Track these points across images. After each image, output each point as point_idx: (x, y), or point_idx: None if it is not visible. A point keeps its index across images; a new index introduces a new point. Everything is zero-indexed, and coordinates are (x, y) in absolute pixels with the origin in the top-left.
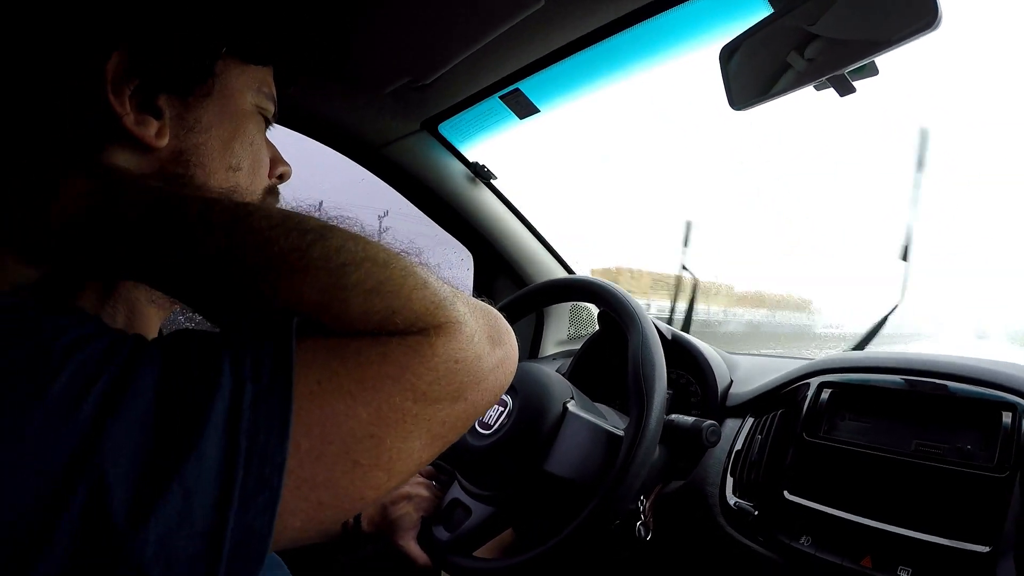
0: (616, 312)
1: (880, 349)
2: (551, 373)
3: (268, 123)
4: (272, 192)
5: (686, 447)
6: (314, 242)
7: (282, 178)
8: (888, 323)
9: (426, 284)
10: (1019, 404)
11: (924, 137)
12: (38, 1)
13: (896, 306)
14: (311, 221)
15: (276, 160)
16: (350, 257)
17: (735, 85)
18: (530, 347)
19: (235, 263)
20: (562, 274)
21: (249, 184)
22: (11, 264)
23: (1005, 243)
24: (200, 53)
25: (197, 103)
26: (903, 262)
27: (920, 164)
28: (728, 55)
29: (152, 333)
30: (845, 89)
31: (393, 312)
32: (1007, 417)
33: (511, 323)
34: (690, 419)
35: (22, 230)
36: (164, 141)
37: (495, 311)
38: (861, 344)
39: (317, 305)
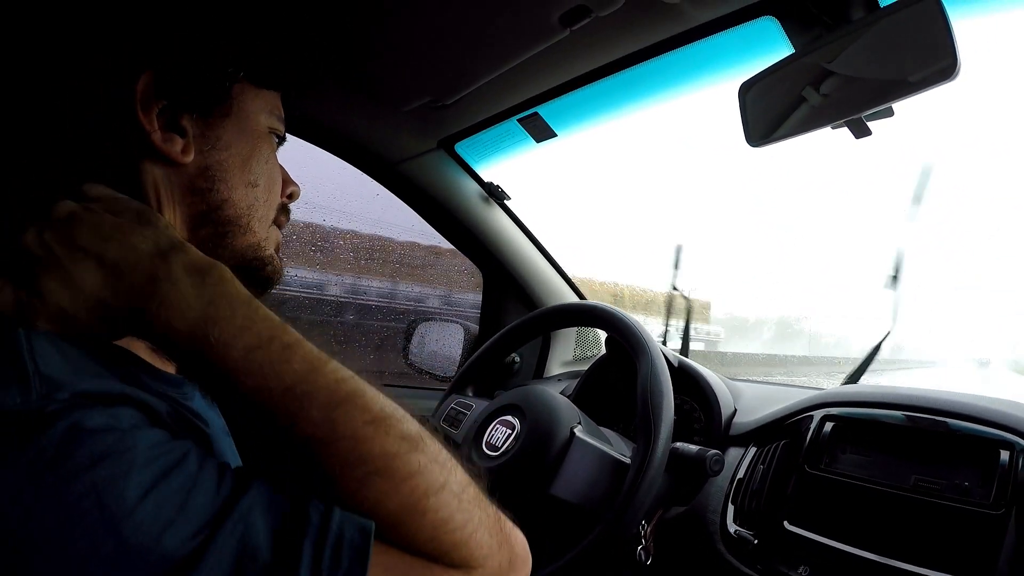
0: (626, 340)
1: (882, 380)
2: (559, 397)
3: (279, 143)
4: (283, 211)
5: (690, 475)
6: (408, 452)
7: (291, 197)
8: (887, 350)
9: (482, 523)
10: (1017, 443)
11: (926, 173)
12: (78, 25)
13: (887, 334)
14: (408, 424)
15: (287, 180)
16: (435, 480)
17: (752, 121)
18: (535, 367)
19: (325, 449)
20: (572, 297)
21: (266, 199)
22: None
23: (1007, 266)
24: (220, 77)
25: (217, 123)
26: (892, 290)
27: (917, 199)
28: (747, 91)
29: None
30: (861, 131)
31: (454, 547)
32: (1005, 455)
33: (520, 344)
34: (694, 448)
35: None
36: (190, 157)
37: (521, 540)
38: (855, 375)
39: (391, 517)
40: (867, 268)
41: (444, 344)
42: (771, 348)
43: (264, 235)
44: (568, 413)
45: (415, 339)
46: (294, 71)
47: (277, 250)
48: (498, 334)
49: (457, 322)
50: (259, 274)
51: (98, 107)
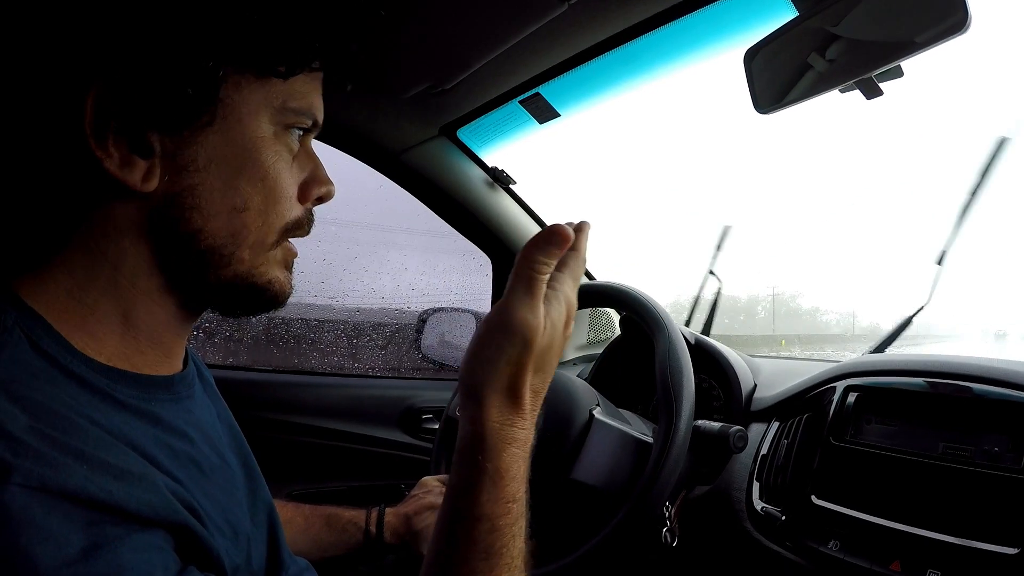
0: (642, 318)
1: (902, 350)
2: (576, 380)
3: (308, 133)
4: (299, 225)
5: (713, 453)
6: None
7: (321, 200)
8: (913, 325)
9: None
10: None
11: (1000, 146)
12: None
13: (922, 308)
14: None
15: (313, 181)
16: None
17: (760, 88)
18: None
19: None
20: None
21: (259, 225)
22: None
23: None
24: (194, 81)
25: (193, 137)
26: (937, 266)
27: (985, 173)
28: (752, 58)
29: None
30: (872, 92)
31: None
32: None
33: None
34: (717, 425)
35: None
36: (152, 184)
37: None
38: (882, 346)
39: None
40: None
41: (456, 334)
42: (771, 328)
43: (258, 261)
44: (586, 395)
45: (427, 330)
46: (303, 45)
47: (288, 266)
48: None
49: (468, 311)
50: (258, 300)
51: (44, 139)
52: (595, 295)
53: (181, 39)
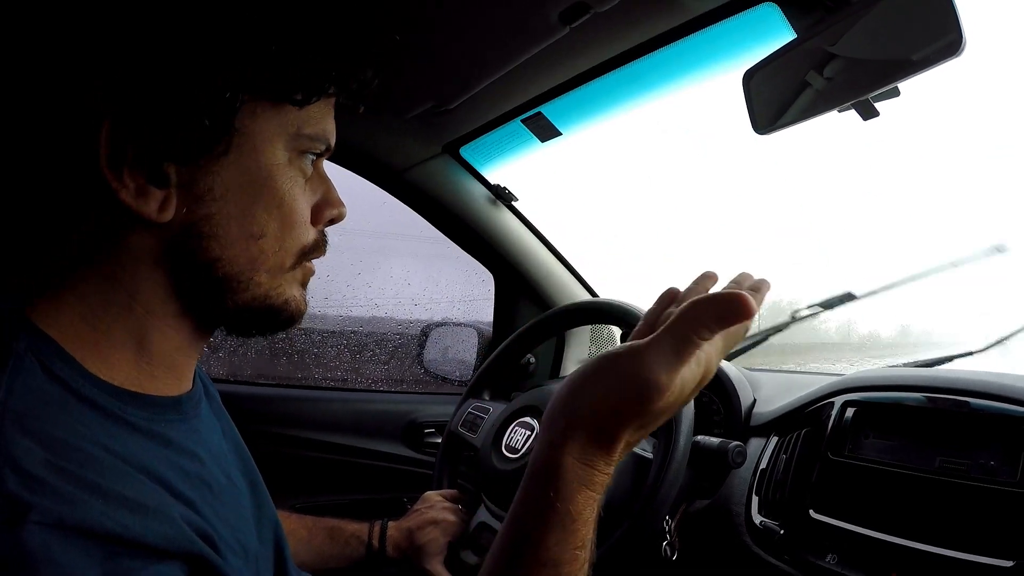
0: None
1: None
2: None
3: (320, 156)
4: (316, 248)
5: (712, 467)
6: None
7: (333, 222)
8: (912, 334)
9: None
10: None
11: None
12: (17, 79)
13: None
14: None
15: (325, 203)
16: None
17: (759, 109)
18: (551, 368)
19: None
20: (584, 295)
21: (276, 250)
22: None
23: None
24: (210, 111)
25: (209, 166)
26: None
27: None
28: (751, 79)
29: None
30: (868, 113)
31: None
32: None
33: (536, 345)
34: (716, 440)
35: None
36: (168, 215)
37: None
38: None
39: None
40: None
41: (458, 348)
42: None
43: (274, 284)
44: None
45: (429, 344)
46: (319, 73)
47: (305, 284)
48: (512, 336)
49: (470, 326)
50: (275, 320)
51: (57, 165)
52: (597, 312)
53: (197, 69)
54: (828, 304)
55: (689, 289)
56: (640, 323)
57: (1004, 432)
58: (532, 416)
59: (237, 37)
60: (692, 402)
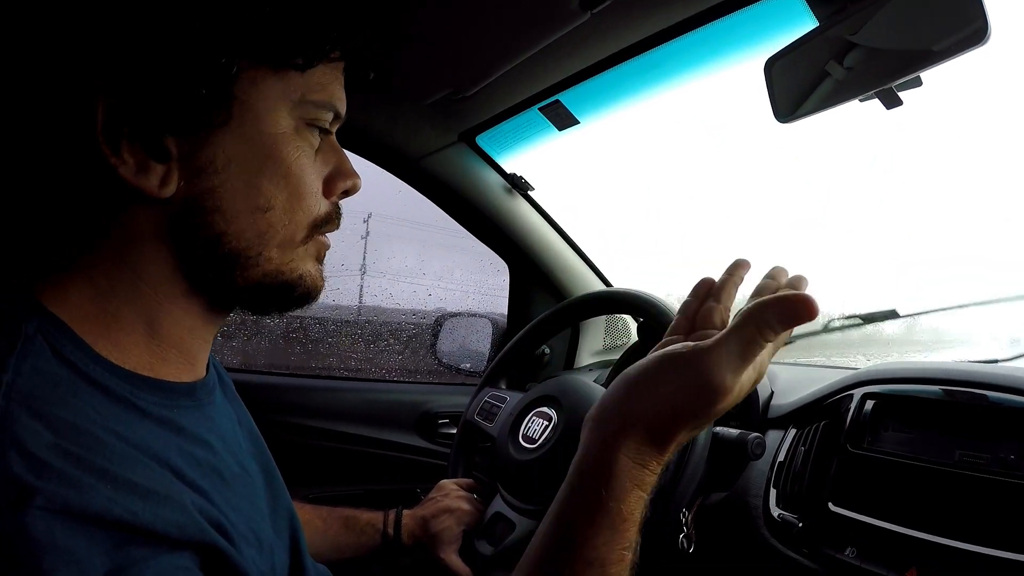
0: (660, 324)
1: (917, 358)
2: (595, 386)
3: (327, 132)
4: (328, 220)
5: (730, 460)
6: None
7: (348, 193)
8: (922, 330)
9: None
10: None
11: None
12: (9, 52)
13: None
14: None
15: (337, 174)
16: None
17: (780, 97)
18: (566, 358)
19: None
20: (599, 285)
21: (286, 223)
22: None
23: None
24: (207, 79)
25: (210, 138)
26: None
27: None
28: (772, 67)
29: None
30: (891, 102)
31: None
32: None
33: (551, 335)
34: (735, 432)
35: None
36: (170, 189)
37: None
38: None
39: None
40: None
41: (472, 339)
42: None
43: (287, 259)
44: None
45: (443, 335)
46: (320, 34)
47: (320, 259)
48: (529, 325)
49: (484, 316)
50: (290, 296)
51: (54, 143)
52: (613, 302)
53: (190, 36)
54: (869, 318)
55: (723, 280)
56: (677, 316)
57: (1022, 426)
58: (550, 406)
59: (228, 1)
60: None
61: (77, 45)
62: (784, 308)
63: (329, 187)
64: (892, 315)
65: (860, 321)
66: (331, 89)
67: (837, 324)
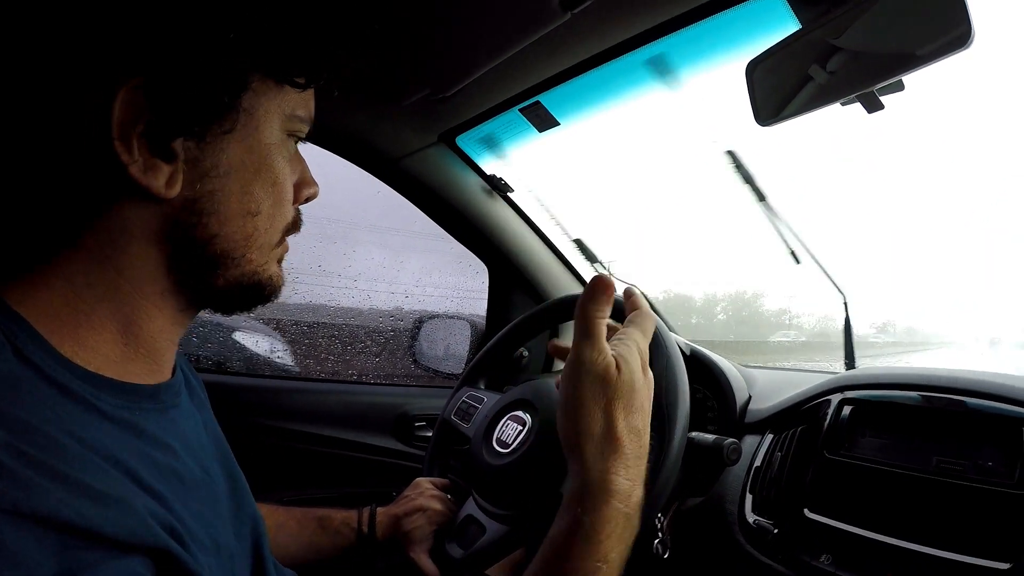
0: None
1: (898, 363)
2: None
3: (299, 140)
4: (295, 225)
5: (706, 465)
6: None
7: (308, 200)
8: (895, 332)
9: None
10: None
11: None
12: (34, 37)
13: (846, 305)
14: None
15: (303, 183)
16: None
17: (761, 100)
18: (544, 362)
19: None
20: (578, 288)
21: (268, 227)
22: None
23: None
24: (225, 87)
25: (216, 142)
26: (797, 264)
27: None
28: (754, 70)
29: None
30: (873, 105)
31: None
32: None
33: (530, 338)
34: (711, 437)
35: None
36: (175, 190)
37: None
38: (850, 358)
39: None
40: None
41: (451, 342)
42: (732, 332)
43: (263, 260)
44: None
45: (421, 337)
46: (327, 58)
47: (280, 261)
48: (507, 327)
49: (463, 318)
50: (258, 295)
51: (66, 138)
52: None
53: (216, 43)
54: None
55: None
56: None
57: (1002, 433)
58: (524, 410)
59: (254, 15)
60: (687, 399)
61: (105, 38)
62: (588, 292)
63: (296, 194)
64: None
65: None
66: (311, 104)
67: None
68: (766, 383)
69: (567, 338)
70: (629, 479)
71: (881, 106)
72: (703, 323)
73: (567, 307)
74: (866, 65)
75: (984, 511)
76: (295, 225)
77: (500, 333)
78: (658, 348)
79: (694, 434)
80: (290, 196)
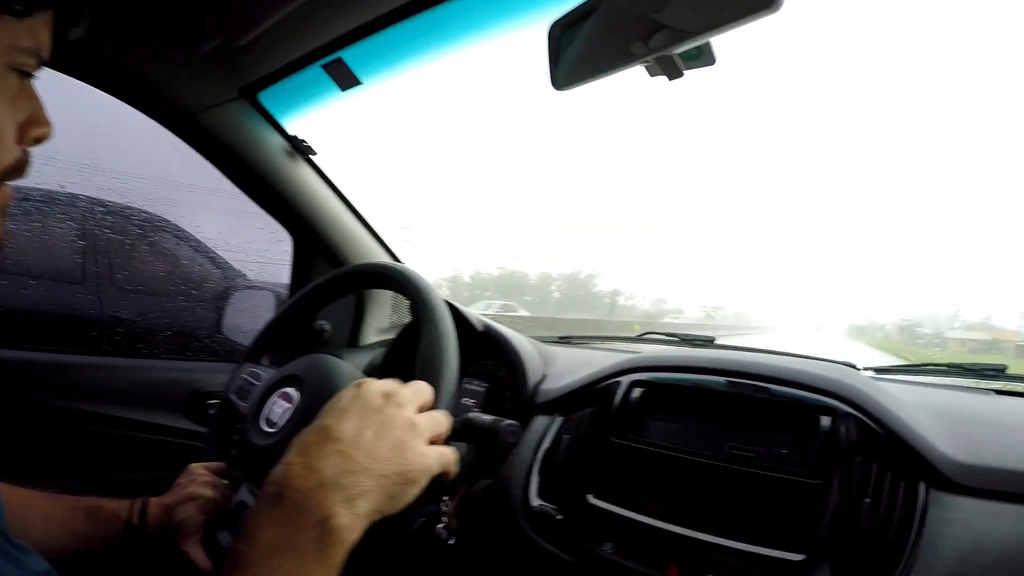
0: (412, 301)
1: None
2: (342, 365)
3: (29, 75)
4: (17, 168)
5: (488, 446)
6: None
7: (38, 141)
8: (724, 316)
9: None
10: (838, 408)
11: None
12: None
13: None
14: None
15: (32, 121)
16: None
17: (561, 62)
18: (349, 336)
19: None
20: (384, 257)
21: None
22: None
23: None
24: None
25: None
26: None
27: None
28: (558, 32)
29: None
30: (673, 73)
31: None
32: (825, 421)
33: (320, 309)
34: (489, 418)
35: None
36: None
37: None
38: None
39: None
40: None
41: (251, 313)
42: (563, 311)
43: None
44: (350, 379)
45: (227, 310)
46: None
47: (4, 211)
48: (291, 299)
49: (269, 289)
50: None
51: None
52: (371, 276)
53: None
54: (687, 339)
55: None
56: None
57: (798, 420)
58: (294, 386)
59: None
60: (451, 378)
61: None
62: None
63: (22, 134)
64: (708, 341)
65: (678, 339)
66: (42, 36)
67: (656, 337)
68: (567, 361)
69: (373, 312)
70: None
71: (680, 73)
72: (537, 300)
73: (360, 277)
74: (668, 28)
75: (778, 500)
76: (17, 169)
77: (285, 304)
78: (427, 320)
79: (472, 415)
80: (7, 137)
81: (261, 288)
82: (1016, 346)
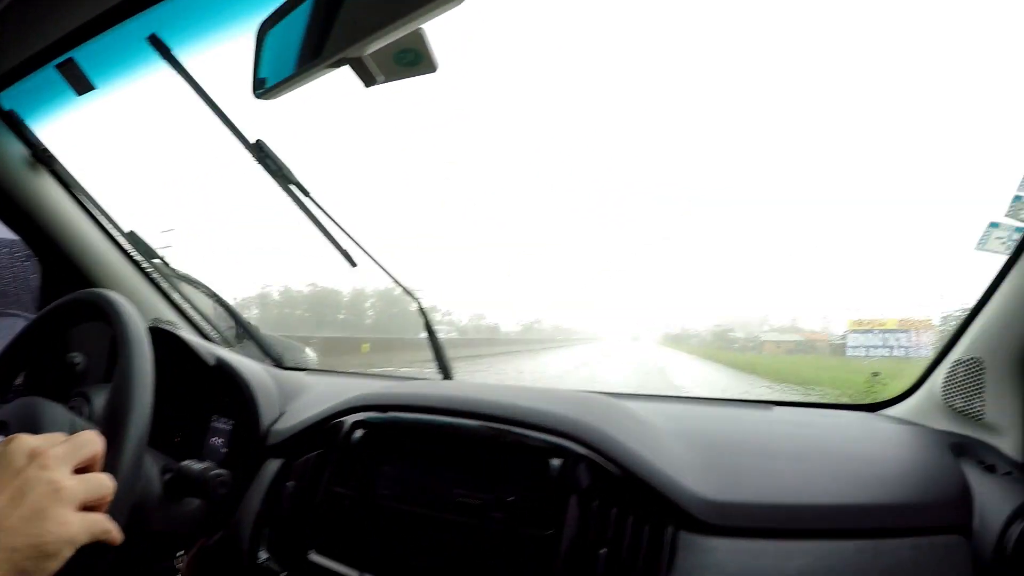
0: (113, 332)
1: (542, 358)
2: (56, 411)
3: None
4: None
5: (202, 497)
6: None
7: None
8: (541, 330)
9: None
10: (571, 448)
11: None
12: None
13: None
14: None
15: None
16: None
17: (264, 67)
18: (105, 367)
19: None
20: (141, 283)
21: None
22: None
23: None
24: None
25: None
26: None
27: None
28: (264, 33)
29: None
30: (368, 79)
31: None
32: (555, 463)
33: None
34: (199, 466)
35: None
36: None
37: None
38: (444, 368)
39: None
40: None
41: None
42: (381, 330)
43: None
44: (56, 429)
45: None
46: None
47: None
48: (15, 336)
49: (18, 315)
50: None
51: None
52: (77, 309)
53: None
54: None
55: None
56: None
57: (528, 462)
58: (2, 432)
59: None
60: (141, 421)
61: None
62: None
63: None
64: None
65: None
66: None
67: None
68: (319, 394)
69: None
70: None
71: (375, 80)
72: (351, 319)
73: (56, 315)
74: (359, 22)
75: (509, 553)
76: None
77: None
78: (124, 350)
79: (185, 463)
80: None
81: (10, 315)
82: (830, 344)
